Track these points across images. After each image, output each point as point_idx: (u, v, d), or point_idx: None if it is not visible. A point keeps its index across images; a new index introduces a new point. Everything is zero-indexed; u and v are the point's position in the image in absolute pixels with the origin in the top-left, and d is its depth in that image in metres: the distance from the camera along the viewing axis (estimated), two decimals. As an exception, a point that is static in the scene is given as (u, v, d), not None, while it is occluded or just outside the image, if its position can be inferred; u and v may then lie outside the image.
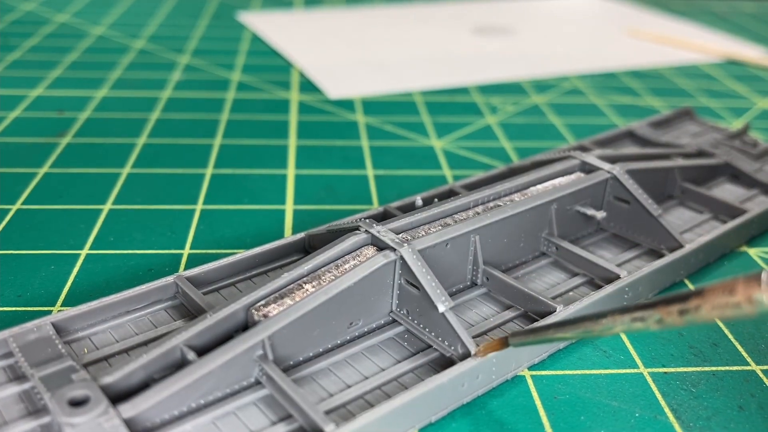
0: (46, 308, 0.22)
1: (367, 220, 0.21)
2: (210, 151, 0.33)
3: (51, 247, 0.25)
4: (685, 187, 0.29)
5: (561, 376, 0.20)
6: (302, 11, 0.61)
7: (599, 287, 0.23)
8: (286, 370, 0.19)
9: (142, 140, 0.34)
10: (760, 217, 0.27)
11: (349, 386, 0.19)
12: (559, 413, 0.19)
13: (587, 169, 0.26)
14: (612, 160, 0.27)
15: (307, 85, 0.43)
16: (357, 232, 0.21)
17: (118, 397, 0.17)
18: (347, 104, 0.40)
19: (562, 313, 0.21)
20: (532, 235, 0.24)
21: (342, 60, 0.47)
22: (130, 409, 0.16)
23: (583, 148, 0.31)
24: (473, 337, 0.20)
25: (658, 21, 0.62)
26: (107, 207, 0.28)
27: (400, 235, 0.21)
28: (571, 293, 0.23)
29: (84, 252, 0.25)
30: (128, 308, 0.21)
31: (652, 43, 0.55)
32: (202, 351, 0.18)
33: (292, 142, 0.35)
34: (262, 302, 0.19)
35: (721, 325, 0.23)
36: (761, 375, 0.21)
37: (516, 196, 0.24)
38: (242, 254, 0.23)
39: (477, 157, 0.34)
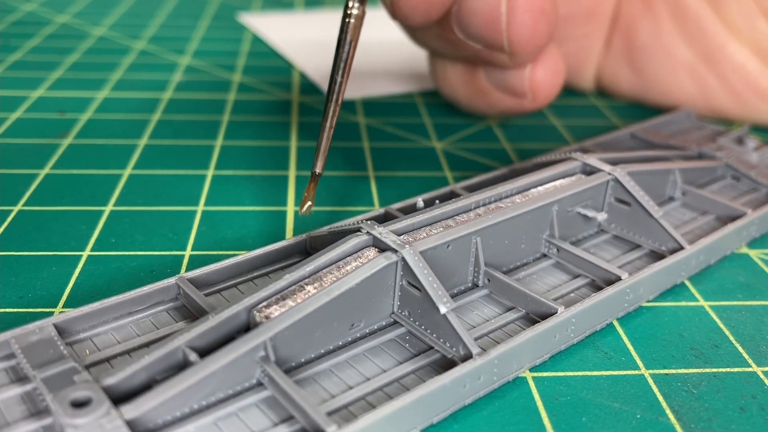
0: (47, 309, 0.22)
1: (369, 222, 0.21)
2: (211, 152, 0.33)
3: (52, 248, 0.25)
4: (686, 189, 0.29)
5: (562, 378, 0.20)
6: (303, 12, 0.61)
7: (600, 289, 0.23)
8: (288, 371, 0.19)
9: (143, 141, 0.34)
10: (760, 218, 0.28)
11: (350, 387, 0.19)
12: (560, 414, 0.19)
13: (588, 170, 0.26)
14: (613, 162, 0.27)
15: (308, 87, 0.43)
16: (358, 233, 0.21)
17: (120, 398, 0.17)
18: (348, 105, 0.40)
19: (563, 314, 0.21)
20: (533, 237, 0.24)
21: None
22: (132, 410, 0.16)
23: (584, 150, 0.31)
24: (475, 339, 0.21)
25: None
26: (109, 208, 0.28)
27: (402, 237, 0.21)
28: (572, 295, 0.23)
29: (85, 253, 0.25)
30: (130, 309, 0.21)
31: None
32: (204, 352, 0.18)
33: (293, 143, 0.35)
34: (264, 304, 0.19)
35: (722, 326, 0.23)
36: (762, 376, 0.21)
37: (517, 198, 0.24)
38: (244, 256, 0.23)
39: (478, 159, 0.34)
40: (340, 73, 0.26)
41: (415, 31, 0.33)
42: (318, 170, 0.25)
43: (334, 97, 0.26)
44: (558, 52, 0.33)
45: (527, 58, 0.31)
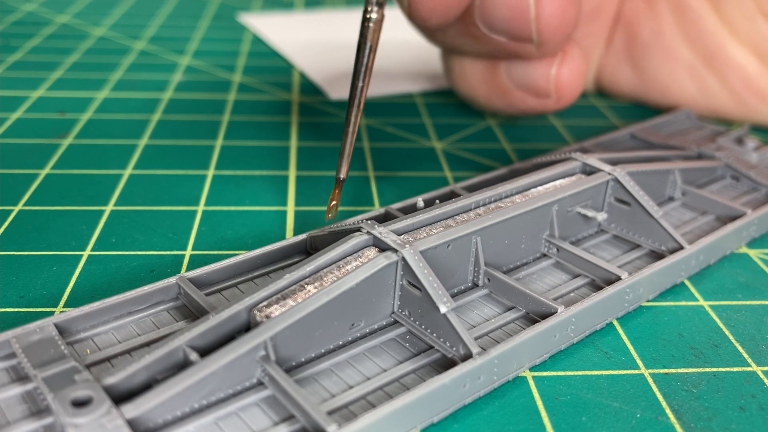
0: (48, 309, 0.22)
1: (369, 222, 0.21)
2: (211, 152, 0.33)
3: (53, 248, 0.25)
4: (686, 189, 0.29)
5: (562, 377, 0.20)
6: (303, 12, 0.61)
7: (600, 288, 0.23)
8: (289, 370, 0.19)
9: (143, 141, 0.34)
10: (760, 219, 0.28)
11: (351, 387, 0.19)
12: (560, 414, 0.19)
13: (588, 170, 0.26)
14: (613, 162, 0.27)
15: (308, 87, 0.43)
16: (359, 233, 0.21)
17: (120, 397, 0.17)
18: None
19: (563, 314, 0.21)
20: (533, 237, 0.24)
21: (343, 61, 0.48)
22: (132, 409, 0.16)
23: (584, 150, 0.31)
24: (475, 339, 0.21)
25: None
26: (109, 208, 0.28)
27: (402, 237, 0.21)
28: (572, 294, 0.23)
29: (86, 253, 0.25)
30: (130, 309, 0.21)
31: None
32: (205, 352, 0.18)
33: (293, 143, 0.35)
34: (264, 303, 0.19)
35: (722, 326, 0.23)
36: (762, 376, 0.21)
37: (517, 198, 0.24)
38: (244, 255, 0.23)
39: (478, 159, 0.34)
40: (361, 78, 0.26)
41: (434, 31, 0.33)
42: (342, 176, 0.25)
43: (356, 102, 0.26)
44: (581, 51, 0.32)
45: (555, 48, 0.31)
